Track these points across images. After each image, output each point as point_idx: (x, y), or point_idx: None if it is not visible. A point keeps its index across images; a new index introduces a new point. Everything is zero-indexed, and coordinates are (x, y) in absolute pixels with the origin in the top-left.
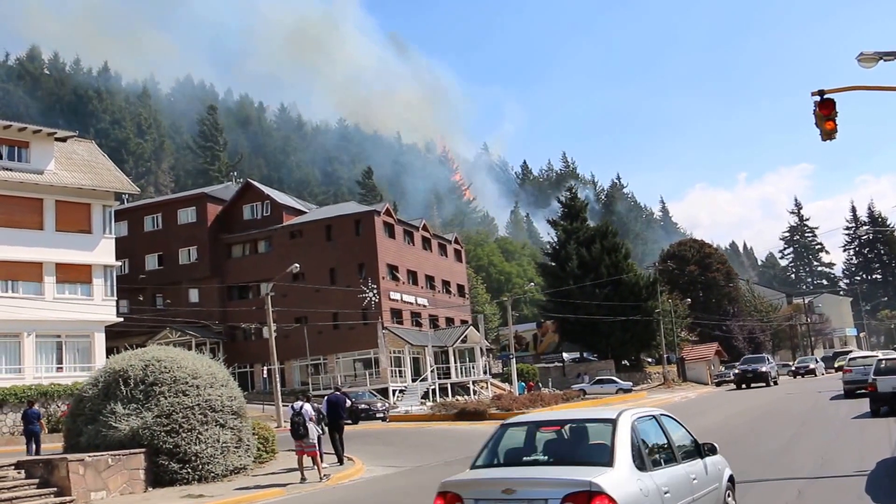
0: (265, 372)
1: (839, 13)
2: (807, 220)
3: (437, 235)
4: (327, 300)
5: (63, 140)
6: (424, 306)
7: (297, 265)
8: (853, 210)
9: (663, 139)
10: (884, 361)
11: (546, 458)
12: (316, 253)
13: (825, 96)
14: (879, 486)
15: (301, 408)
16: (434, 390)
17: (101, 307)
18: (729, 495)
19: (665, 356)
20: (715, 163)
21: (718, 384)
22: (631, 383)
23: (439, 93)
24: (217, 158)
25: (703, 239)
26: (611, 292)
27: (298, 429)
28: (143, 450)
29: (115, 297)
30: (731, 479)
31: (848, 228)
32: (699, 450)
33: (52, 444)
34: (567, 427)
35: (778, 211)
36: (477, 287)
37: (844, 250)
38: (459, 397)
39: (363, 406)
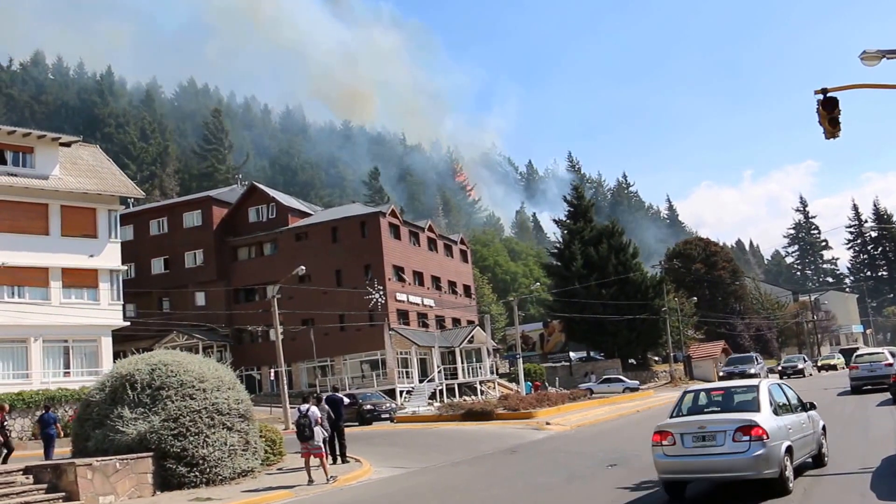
0: (272, 374)
1: (843, 12)
2: (812, 217)
3: (442, 236)
4: (334, 302)
5: (68, 145)
6: (431, 307)
7: (304, 267)
8: (855, 208)
9: (669, 138)
10: None
11: (718, 409)
12: (322, 255)
13: (828, 95)
14: (884, 483)
15: (307, 410)
16: (441, 391)
17: (108, 311)
18: (822, 437)
19: (672, 354)
20: (720, 161)
21: None
22: (638, 382)
23: (443, 92)
24: (222, 161)
25: (708, 237)
26: (617, 291)
27: (304, 431)
28: (150, 454)
29: (122, 302)
30: (823, 427)
31: (852, 226)
32: (804, 406)
33: (59, 449)
34: (726, 391)
35: (784, 208)
36: (483, 287)
37: (849, 247)
38: (466, 398)
39: (368, 407)
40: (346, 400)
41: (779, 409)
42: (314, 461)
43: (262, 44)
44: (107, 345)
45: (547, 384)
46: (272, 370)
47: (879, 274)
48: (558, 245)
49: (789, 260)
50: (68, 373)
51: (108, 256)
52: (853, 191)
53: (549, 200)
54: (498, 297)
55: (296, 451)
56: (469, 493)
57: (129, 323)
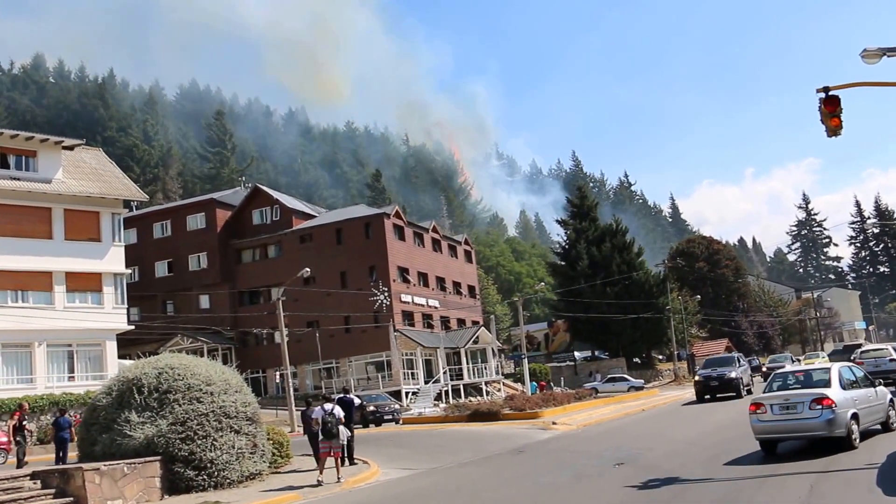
0: (278, 377)
1: (843, 10)
2: (815, 214)
3: (446, 237)
4: (338, 304)
5: (70, 148)
6: (435, 308)
7: (308, 269)
8: (857, 205)
9: (670, 136)
10: None
11: (799, 386)
12: (326, 257)
13: (830, 93)
14: (890, 479)
15: (332, 409)
16: (447, 392)
17: (112, 315)
18: (891, 408)
19: (675, 353)
20: (722, 159)
21: None
22: (642, 381)
23: (445, 92)
24: (225, 163)
25: (711, 235)
26: (621, 290)
27: (332, 429)
28: (158, 458)
29: (126, 305)
30: (891, 401)
31: (854, 222)
32: (872, 383)
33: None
34: (806, 373)
35: (785, 206)
36: (488, 288)
37: (851, 244)
38: (472, 398)
39: (372, 409)
40: (357, 401)
41: (847, 385)
42: (329, 461)
43: (263, 45)
44: (111, 349)
45: (552, 384)
46: (278, 373)
47: (881, 270)
48: (563, 245)
49: (791, 257)
50: (73, 377)
51: (112, 260)
52: (855, 187)
53: (552, 200)
54: (502, 297)
55: (303, 453)
56: (477, 494)
57: (133, 326)
